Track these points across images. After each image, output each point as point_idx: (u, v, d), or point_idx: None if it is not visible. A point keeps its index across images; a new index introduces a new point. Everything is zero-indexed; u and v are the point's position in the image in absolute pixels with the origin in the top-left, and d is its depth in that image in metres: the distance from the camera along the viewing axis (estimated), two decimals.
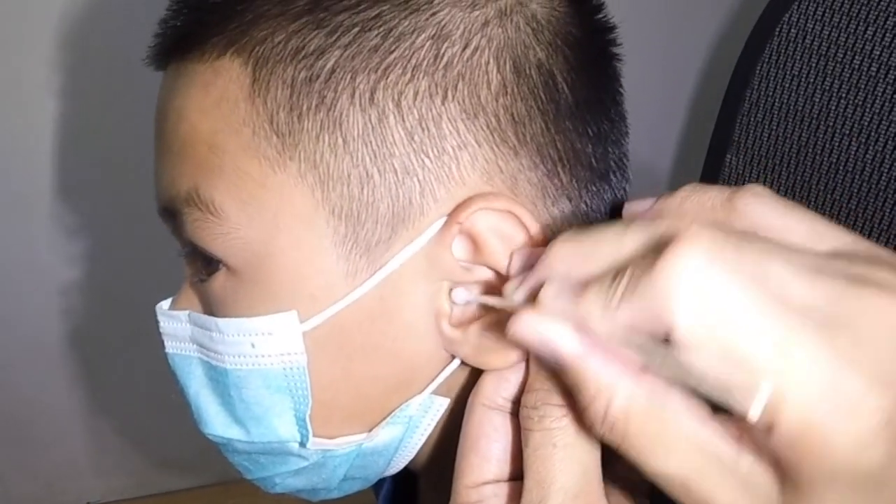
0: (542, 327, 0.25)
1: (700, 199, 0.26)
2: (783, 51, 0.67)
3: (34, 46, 0.89)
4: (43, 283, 1.06)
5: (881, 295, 0.21)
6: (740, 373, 0.21)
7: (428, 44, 0.31)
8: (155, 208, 0.36)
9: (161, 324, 0.37)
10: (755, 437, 0.22)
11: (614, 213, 0.36)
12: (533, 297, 0.26)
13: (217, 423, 0.36)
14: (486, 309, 0.32)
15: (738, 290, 0.21)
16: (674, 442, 0.23)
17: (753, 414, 0.20)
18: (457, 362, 0.33)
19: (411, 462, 0.38)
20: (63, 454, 1.20)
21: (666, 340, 0.22)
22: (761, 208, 0.25)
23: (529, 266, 0.28)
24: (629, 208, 0.30)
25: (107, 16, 0.90)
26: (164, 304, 0.38)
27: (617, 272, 0.23)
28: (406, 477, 0.50)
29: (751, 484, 0.22)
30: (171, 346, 0.37)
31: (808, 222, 0.24)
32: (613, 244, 0.24)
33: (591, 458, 0.27)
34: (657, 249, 0.22)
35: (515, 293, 0.27)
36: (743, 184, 0.26)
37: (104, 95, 0.94)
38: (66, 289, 1.07)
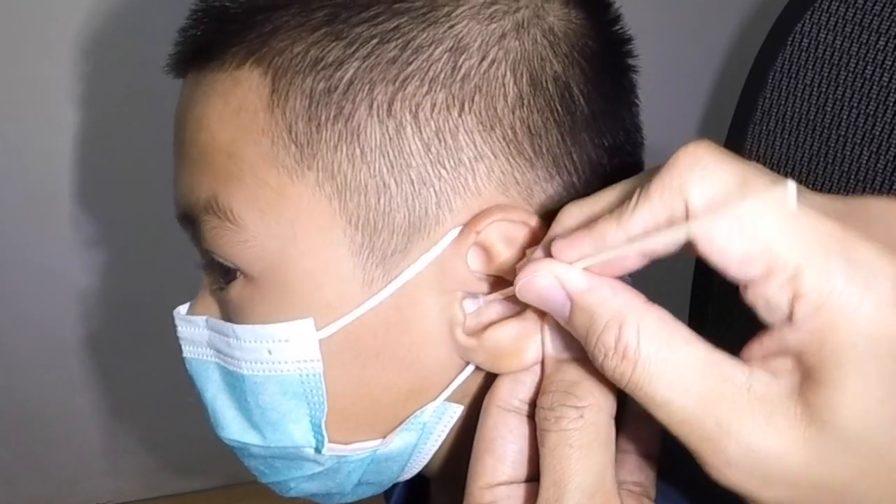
0: (552, 270, 0.26)
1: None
2: (795, 60, 0.67)
3: (57, 54, 0.90)
4: (59, 287, 1.06)
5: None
6: (756, 246, 0.21)
7: (445, 56, 0.31)
8: (173, 215, 0.36)
9: (179, 328, 0.37)
10: (773, 338, 0.22)
11: None
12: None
13: (233, 427, 0.36)
14: (500, 315, 0.32)
15: (746, 170, 0.22)
16: (686, 364, 0.23)
17: (791, 200, 0.21)
18: (470, 368, 0.33)
19: (426, 468, 0.38)
20: (74, 456, 1.20)
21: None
22: None
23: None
24: None
25: (128, 24, 0.90)
26: (182, 310, 0.38)
27: (624, 200, 0.24)
28: (418, 482, 0.50)
29: (765, 399, 0.22)
30: (188, 351, 0.37)
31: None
32: (617, 190, 0.25)
33: (606, 458, 0.27)
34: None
35: (535, 253, 0.28)
36: None
37: (125, 103, 0.94)
38: (81, 293, 1.08)
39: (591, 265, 0.25)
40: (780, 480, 0.22)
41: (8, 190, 0.98)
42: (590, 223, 0.25)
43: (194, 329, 0.37)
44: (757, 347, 0.23)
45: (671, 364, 0.23)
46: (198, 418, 0.38)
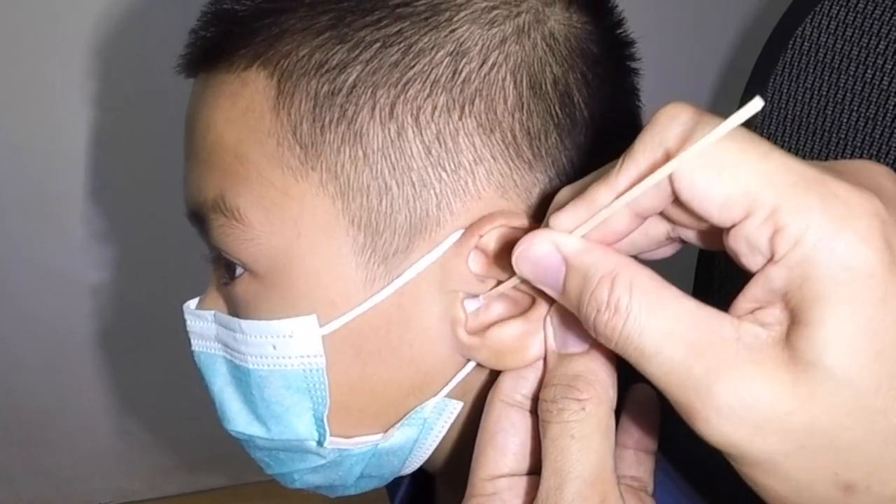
0: (548, 237, 0.27)
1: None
2: (796, 64, 0.67)
3: (69, 54, 0.91)
4: (61, 287, 1.07)
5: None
6: (735, 188, 0.22)
7: (447, 60, 0.32)
8: (182, 213, 0.37)
9: (188, 322, 0.38)
10: (758, 284, 0.23)
11: None
12: None
13: (239, 420, 0.37)
14: (501, 315, 0.33)
15: (720, 123, 0.22)
16: (675, 317, 0.23)
17: (757, 105, 0.22)
18: (471, 366, 0.34)
19: (429, 464, 0.39)
20: (74, 457, 1.21)
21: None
22: None
23: None
24: None
25: (140, 24, 0.91)
26: (192, 304, 0.39)
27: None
28: (424, 479, 0.51)
29: (753, 347, 0.23)
30: (197, 344, 0.38)
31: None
32: (605, 167, 0.26)
33: (606, 448, 0.28)
34: None
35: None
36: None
37: (136, 102, 0.95)
38: (85, 292, 1.08)
39: (587, 233, 0.26)
40: (772, 428, 0.22)
41: (12, 189, 0.99)
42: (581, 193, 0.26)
43: (203, 323, 0.38)
44: (742, 300, 0.23)
45: (661, 317, 0.24)
46: (201, 418, 0.38)
